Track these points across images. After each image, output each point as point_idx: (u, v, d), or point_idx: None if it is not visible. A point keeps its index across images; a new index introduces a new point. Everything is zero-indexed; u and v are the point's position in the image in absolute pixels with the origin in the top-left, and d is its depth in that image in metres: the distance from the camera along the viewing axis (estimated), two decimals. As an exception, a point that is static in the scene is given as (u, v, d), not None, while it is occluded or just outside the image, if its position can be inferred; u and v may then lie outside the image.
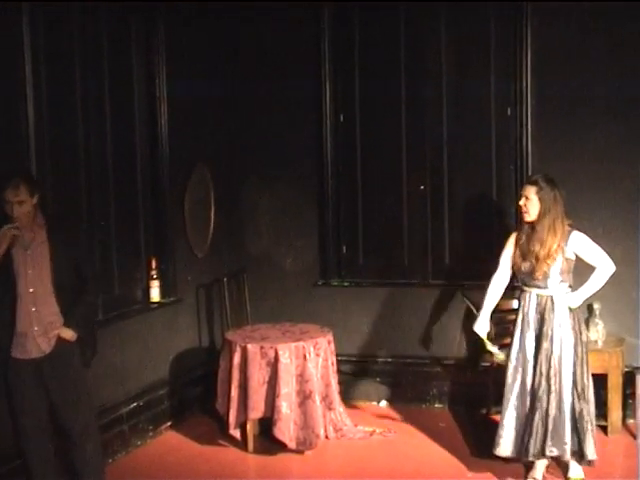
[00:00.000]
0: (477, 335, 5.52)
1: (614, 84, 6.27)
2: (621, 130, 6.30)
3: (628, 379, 6.11)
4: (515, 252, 5.34)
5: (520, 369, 5.30)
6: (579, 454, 5.24)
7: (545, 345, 5.19)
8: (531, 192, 5.24)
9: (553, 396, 5.17)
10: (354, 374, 7.02)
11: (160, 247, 6.58)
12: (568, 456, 5.22)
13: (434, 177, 6.87)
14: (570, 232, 5.23)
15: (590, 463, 5.27)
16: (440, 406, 6.88)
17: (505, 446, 5.34)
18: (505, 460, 5.43)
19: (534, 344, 5.26)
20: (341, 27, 7.00)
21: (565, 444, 5.16)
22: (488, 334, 5.56)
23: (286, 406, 5.84)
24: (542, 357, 5.20)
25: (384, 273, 7.07)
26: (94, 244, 5.83)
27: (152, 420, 6.37)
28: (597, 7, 6.23)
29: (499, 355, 5.52)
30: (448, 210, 6.86)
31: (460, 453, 5.87)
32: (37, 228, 4.78)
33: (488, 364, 6.32)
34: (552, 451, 5.19)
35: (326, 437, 6.10)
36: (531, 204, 5.23)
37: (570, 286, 5.27)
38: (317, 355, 6.01)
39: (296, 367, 5.91)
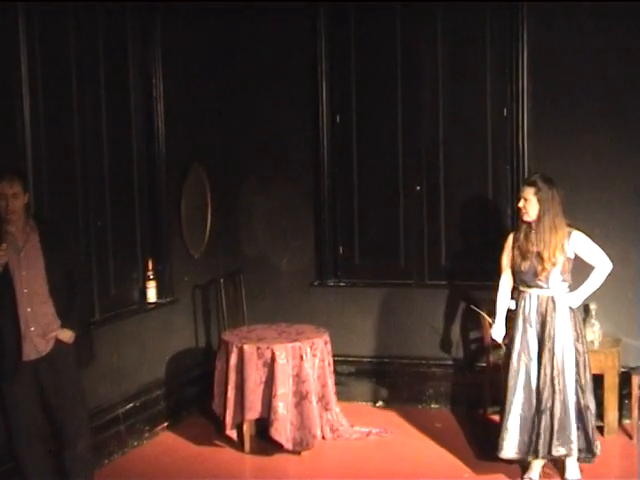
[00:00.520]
0: (494, 341, 5.55)
1: (610, 84, 6.28)
2: (617, 130, 6.30)
3: (624, 379, 6.13)
4: (514, 252, 5.35)
5: (523, 370, 5.28)
6: (586, 450, 5.27)
7: (548, 346, 5.19)
8: (529, 193, 5.24)
9: (557, 396, 5.17)
10: (350, 374, 7.02)
11: (156, 248, 6.58)
12: (575, 455, 5.23)
13: (430, 177, 6.86)
14: (570, 232, 5.25)
15: (594, 457, 5.29)
16: (436, 406, 6.87)
17: (509, 449, 5.31)
18: (503, 460, 5.41)
19: (537, 345, 5.25)
20: (337, 28, 7.00)
21: (572, 443, 5.18)
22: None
23: (283, 407, 5.83)
24: (546, 358, 5.19)
25: (380, 273, 7.05)
26: (89, 246, 5.84)
27: (148, 421, 6.36)
28: (593, 7, 6.24)
29: None
30: (444, 210, 6.85)
31: (457, 453, 5.87)
32: (29, 230, 4.80)
33: (484, 364, 6.32)
34: (559, 450, 5.19)
35: (322, 438, 6.10)
36: (530, 205, 5.24)
37: (569, 286, 5.28)
38: (314, 355, 6.01)
39: (292, 368, 5.91)
